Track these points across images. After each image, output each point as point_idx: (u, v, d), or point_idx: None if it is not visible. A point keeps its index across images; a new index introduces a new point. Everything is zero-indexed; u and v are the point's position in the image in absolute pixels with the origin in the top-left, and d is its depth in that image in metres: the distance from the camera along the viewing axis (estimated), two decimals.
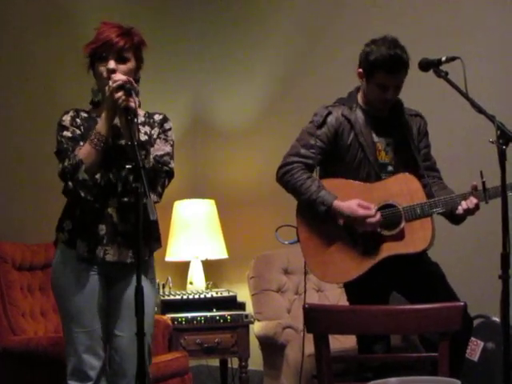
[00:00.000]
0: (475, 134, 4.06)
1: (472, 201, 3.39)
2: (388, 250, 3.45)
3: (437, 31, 4.72)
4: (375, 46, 3.47)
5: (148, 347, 3.03)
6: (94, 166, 2.91)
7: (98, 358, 3.01)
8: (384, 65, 3.43)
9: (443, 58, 3.16)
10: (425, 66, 3.23)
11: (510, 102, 4.37)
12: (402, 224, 3.44)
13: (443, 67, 3.18)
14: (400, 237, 3.44)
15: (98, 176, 2.93)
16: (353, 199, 3.45)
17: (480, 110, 2.96)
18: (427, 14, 4.81)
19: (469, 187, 3.42)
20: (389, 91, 3.48)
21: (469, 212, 3.41)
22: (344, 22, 5.15)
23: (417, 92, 4.27)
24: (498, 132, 2.84)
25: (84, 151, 2.90)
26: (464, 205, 3.40)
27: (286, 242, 3.70)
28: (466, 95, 3.01)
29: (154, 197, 2.95)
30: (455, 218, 3.50)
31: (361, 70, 3.54)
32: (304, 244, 3.59)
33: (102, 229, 2.99)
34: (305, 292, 3.93)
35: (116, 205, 2.99)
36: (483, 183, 3.34)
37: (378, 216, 3.44)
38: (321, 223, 3.53)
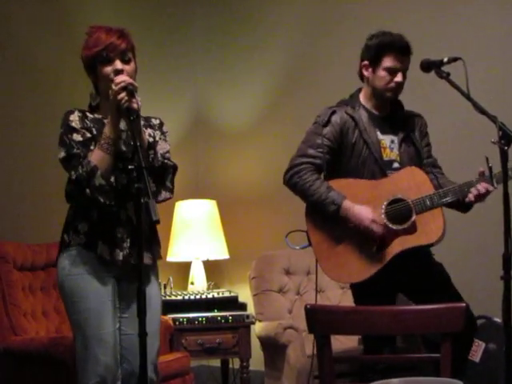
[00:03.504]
0: (477, 134, 4.06)
1: (482, 185, 3.38)
2: (402, 243, 3.43)
3: (438, 32, 4.72)
4: (376, 36, 3.53)
5: (158, 346, 3.08)
6: (108, 170, 2.91)
7: (115, 360, 3.00)
8: (392, 47, 3.47)
9: (445, 59, 3.16)
10: (426, 66, 3.23)
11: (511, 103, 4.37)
12: (413, 217, 3.42)
13: (445, 68, 3.18)
14: (412, 230, 3.43)
15: (112, 179, 2.94)
16: (365, 206, 3.43)
17: (482, 111, 2.96)
18: (429, 14, 4.81)
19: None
20: (398, 74, 3.48)
21: (480, 197, 3.40)
22: (346, 24, 5.15)
23: (419, 93, 4.27)
24: (500, 133, 2.84)
25: (96, 156, 2.89)
26: (474, 191, 3.38)
27: (298, 248, 3.65)
28: (467, 96, 3.01)
29: (166, 193, 3.04)
30: (464, 206, 3.48)
31: (366, 61, 3.54)
32: (317, 247, 3.55)
33: (120, 231, 3.00)
34: (316, 291, 3.91)
35: (133, 207, 2.96)
36: (490, 168, 3.32)
37: (381, 229, 3.42)
38: (332, 224, 3.50)
